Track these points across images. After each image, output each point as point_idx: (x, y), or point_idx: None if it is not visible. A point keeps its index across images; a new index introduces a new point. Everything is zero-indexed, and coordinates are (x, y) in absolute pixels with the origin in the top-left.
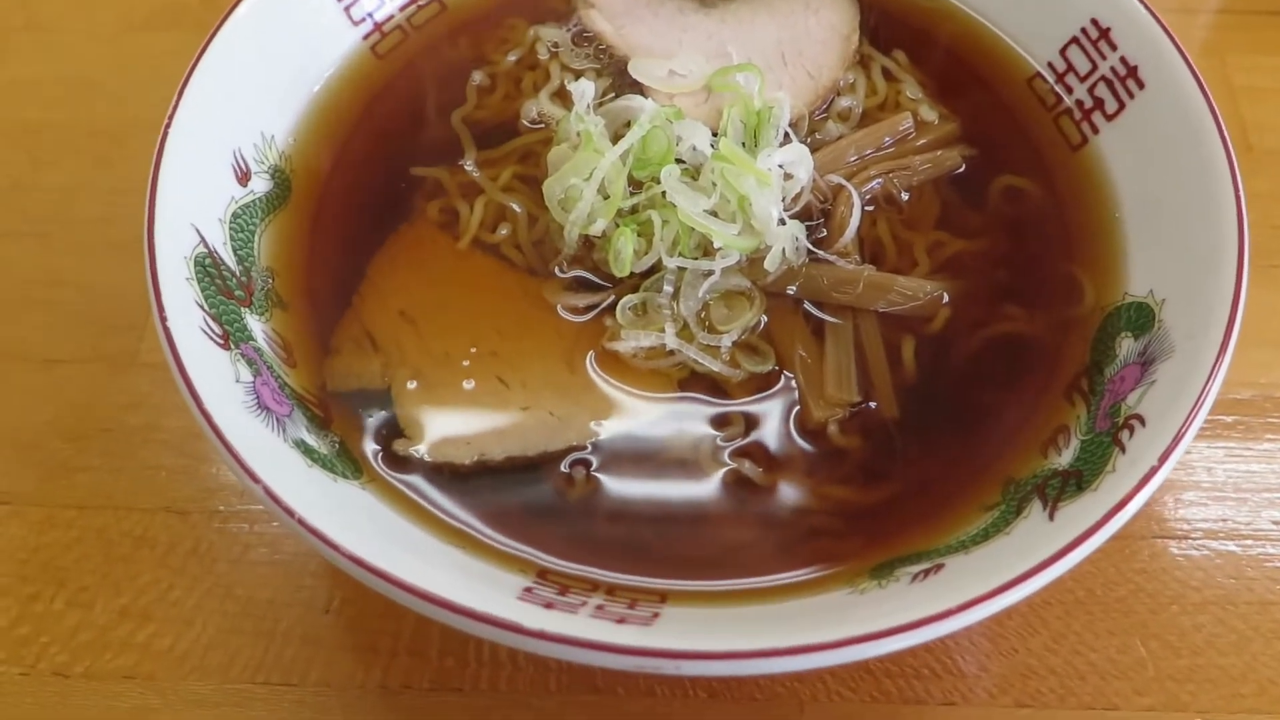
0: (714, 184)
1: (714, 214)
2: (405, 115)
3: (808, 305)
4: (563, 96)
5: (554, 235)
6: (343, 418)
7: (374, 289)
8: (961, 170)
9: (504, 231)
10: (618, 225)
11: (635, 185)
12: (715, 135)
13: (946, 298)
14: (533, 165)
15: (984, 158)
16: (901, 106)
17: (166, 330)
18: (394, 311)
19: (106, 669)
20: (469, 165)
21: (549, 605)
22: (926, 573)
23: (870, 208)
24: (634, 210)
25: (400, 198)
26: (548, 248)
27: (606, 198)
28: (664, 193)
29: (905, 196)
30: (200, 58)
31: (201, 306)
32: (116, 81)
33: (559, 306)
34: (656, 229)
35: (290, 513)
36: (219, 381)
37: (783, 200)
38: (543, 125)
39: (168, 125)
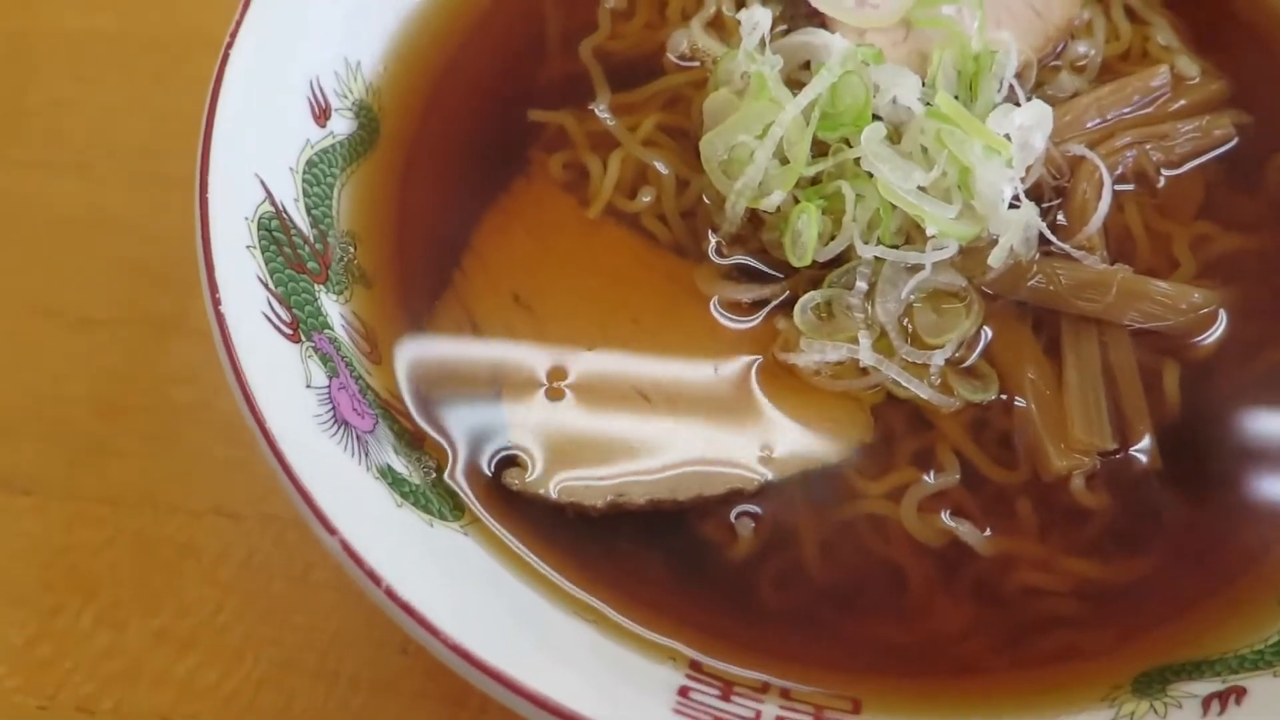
0: (924, 149)
1: (923, 190)
2: (521, 42)
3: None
4: (719, 26)
5: (710, 206)
6: (439, 434)
7: (480, 264)
8: (1233, 144)
9: (646, 198)
10: (797, 199)
11: (819, 147)
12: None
13: (1221, 311)
14: (681, 113)
15: (1261, 127)
16: (1151, 57)
17: (220, 317)
18: (505, 294)
19: (140, 707)
20: (601, 110)
21: None
22: (1221, 698)
23: (1117, 187)
24: (818, 180)
25: (514, 148)
26: (701, 221)
27: (784, 162)
28: (858, 159)
29: (1162, 176)
30: None
31: (265, 284)
32: None
33: (715, 300)
34: (849, 206)
35: (376, 579)
36: (286, 388)
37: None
38: (695, 63)
39: (228, 46)
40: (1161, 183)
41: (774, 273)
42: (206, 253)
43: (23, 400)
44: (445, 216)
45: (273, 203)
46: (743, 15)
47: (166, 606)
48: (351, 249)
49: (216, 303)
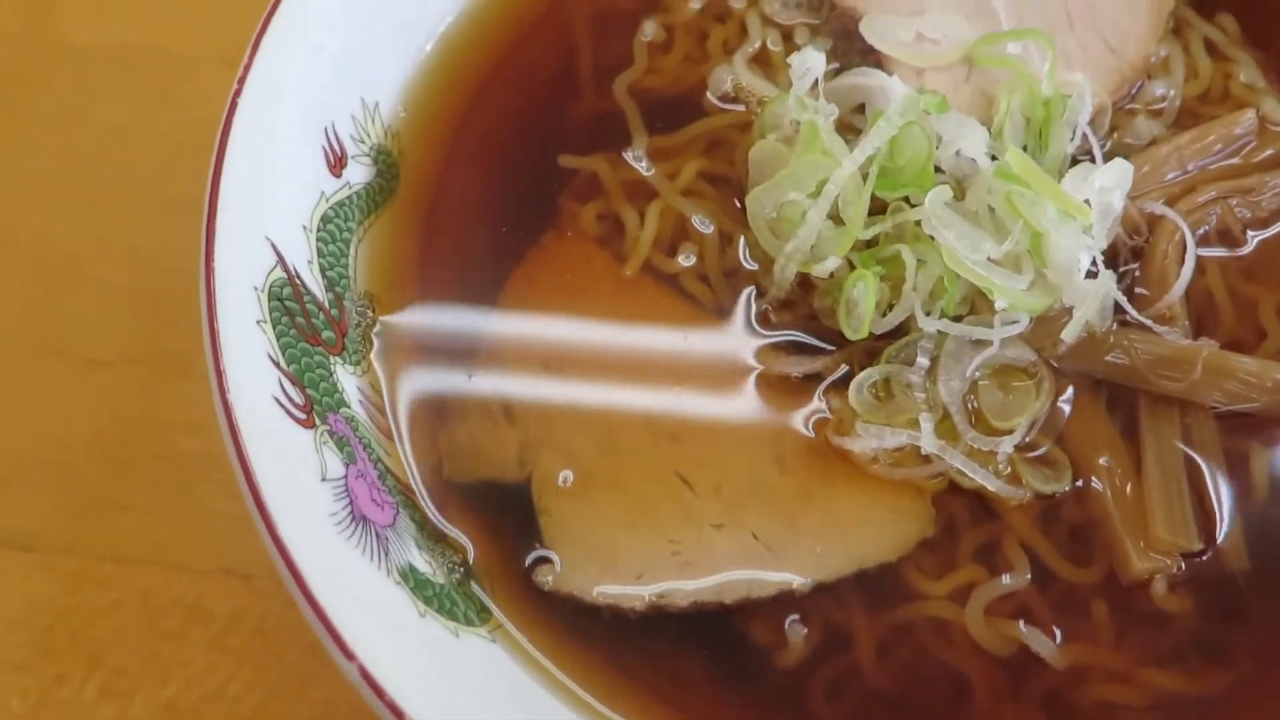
0: (991, 210)
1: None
2: (551, 78)
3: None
4: (765, 62)
5: (757, 267)
6: (465, 524)
7: (508, 329)
8: None
9: (687, 260)
10: (852, 264)
11: (876, 204)
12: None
13: None
14: (724, 159)
15: None
16: (1234, 98)
17: (227, 407)
18: (535, 364)
19: None
20: (637, 155)
21: None
22: None
23: (1199, 250)
24: (875, 242)
25: (544, 196)
26: (745, 281)
27: (838, 222)
28: (919, 220)
29: (1247, 234)
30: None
31: (277, 363)
32: None
33: (762, 371)
34: (909, 273)
35: (399, 713)
36: (299, 484)
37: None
38: (740, 106)
39: (236, 94)
40: (1247, 242)
41: (825, 345)
42: (213, 334)
43: (26, 447)
44: (470, 273)
45: (285, 268)
46: (794, 59)
47: (174, 677)
48: (370, 312)
49: (224, 390)
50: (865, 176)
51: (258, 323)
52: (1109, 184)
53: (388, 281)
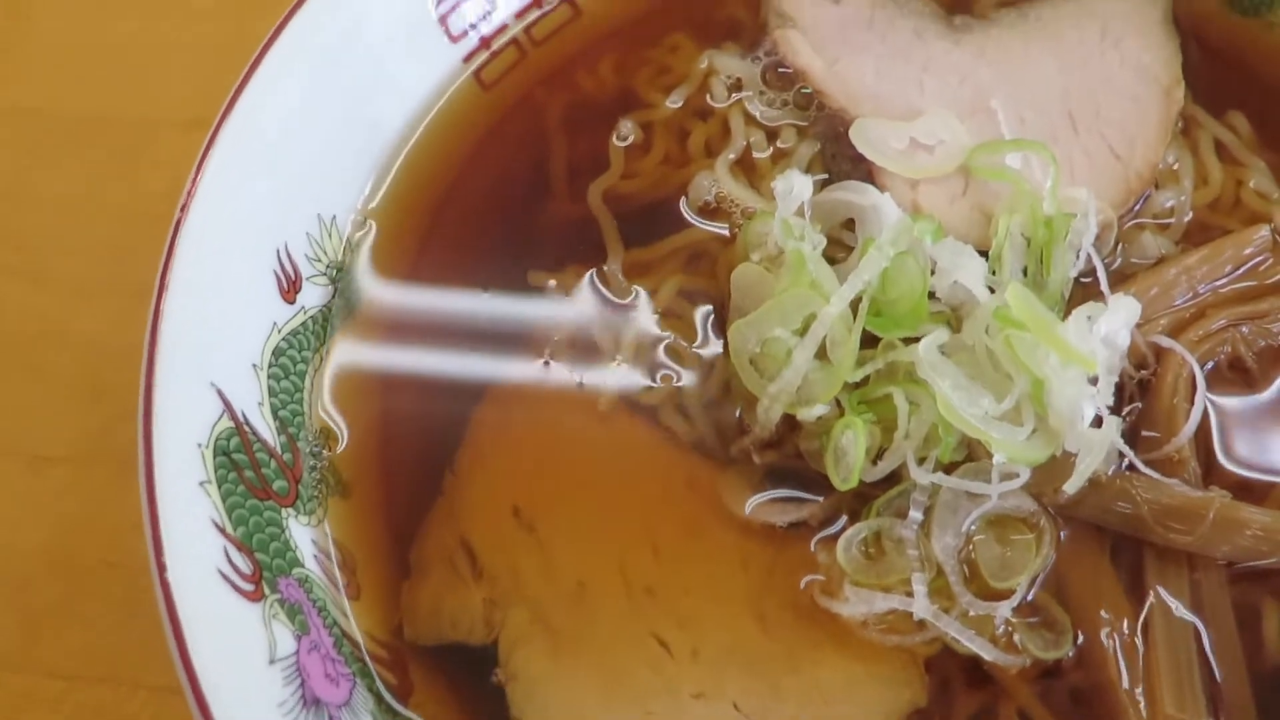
0: (988, 350)
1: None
2: (520, 183)
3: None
4: (749, 166)
5: (739, 399)
6: (427, 693)
7: (477, 465)
8: None
9: (665, 383)
10: (841, 405)
11: (867, 337)
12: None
13: None
14: (706, 273)
15: None
16: (1245, 206)
17: (166, 588)
18: (504, 508)
19: None
20: (613, 270)
21: None
22: None
23: (1206, 367)
24: (865, 382)
25: (513, 318)
26: (728, 415)
27: (826, 361)
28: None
29: (1253, 359)
30: (232, 104)
31: (223, 529)
32: (142, 53)
33: (744, 518)
34: (901, 418)
35: None
36: (247, 670)
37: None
38: (723, 227)
39: (178, 222)
40: (1259, 373)
41: (810, 496)
42: (151, 506)
43: None
44: (436, 403)
45: (232, 416)
46: (777, 184)
47: None
48: (325, 451)
49: (162, 569)
50: (855, 311)
51: (201, 484)
52: (1115, 328)
53: (347, 413)
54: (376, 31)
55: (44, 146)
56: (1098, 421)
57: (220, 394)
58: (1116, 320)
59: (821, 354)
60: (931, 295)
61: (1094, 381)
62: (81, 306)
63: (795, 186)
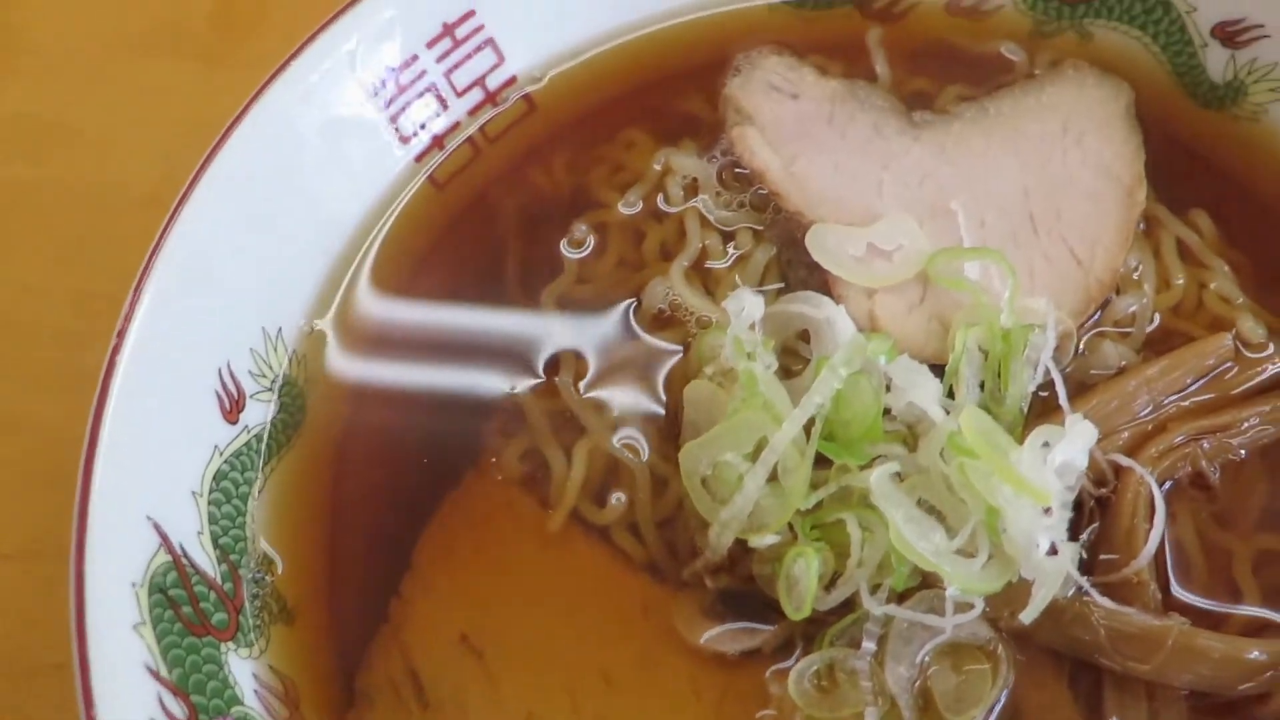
0: (945, 477)
1: (945, 528)
2: (473, 288)
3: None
4: (705, 272)
5: (692, 519)
6: None
7: (423, 589)
8: None
9: (617, 500)
10: (794, 529)
11: (820, 458)
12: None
13: None
14: (660, 386)
15: None
16: (1208, 311)
17: None
18: (451, 634)
19: None
20: (564, 382)
21: None
22: None
23: (1164, 486)
24: (819, 505)
25: (465, 430)
26: (682, 535)
27: (778, 489)
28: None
29: (1215, 473)
30: (173, 217)
31: (156, 674)
32: (97, 125)
33: (696, 645)
34: (854, 546)
35: None
36: None
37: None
38: (677, 321)
39: (115, 349)
40: (1220, 487)
41: (762, 626)
42: (82, 653)
43: None
44: (383, 523)
45: (169, 549)
46: (728, 302)
47: None
48: (268, 577)
49: None
50: (809, 433)
51: (135, 627)
52: (1071, 456)
53: (291, 535)
54: (324, 137)
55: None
56: (1054, 550)
57: (157, 527)
58: (1072, 448)
59: (774, 478)
60: (888, 413)
61: (1050, 511)
62: (32, 394)
63: (746, 306)
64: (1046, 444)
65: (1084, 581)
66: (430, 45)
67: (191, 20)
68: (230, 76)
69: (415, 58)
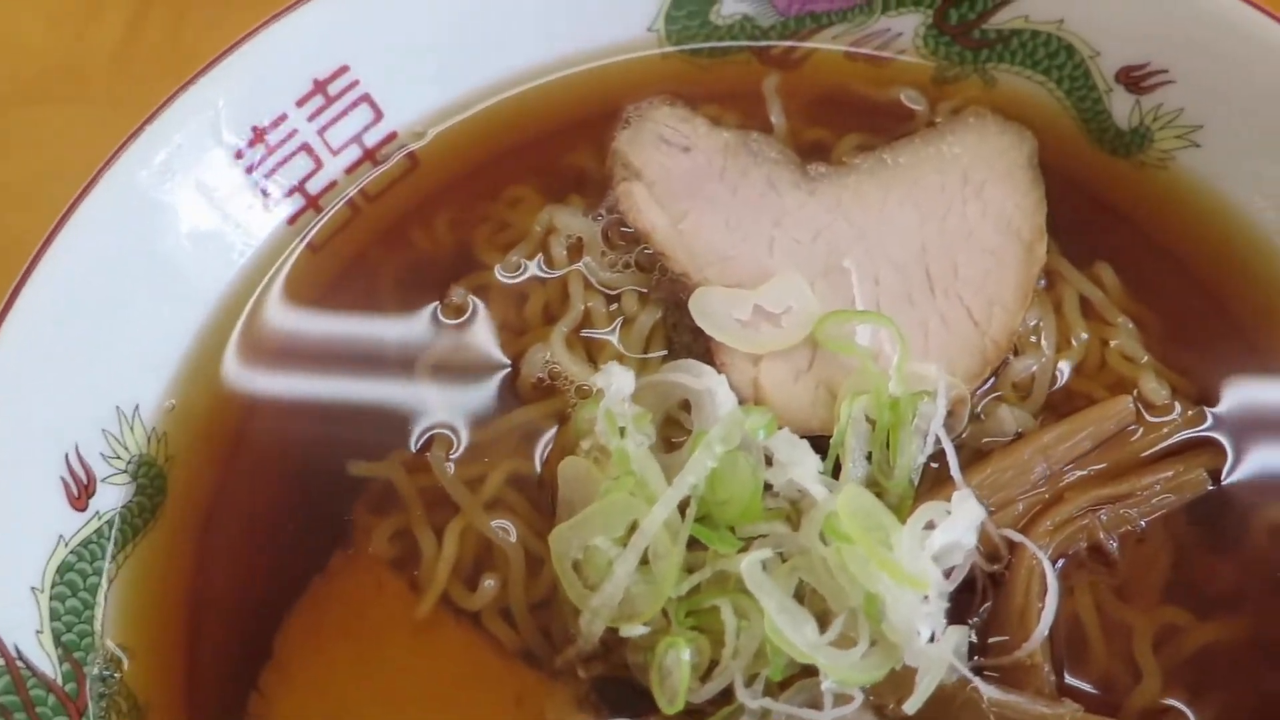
0: (825, 560)
1: (827, 611)
2: (347, 358)
3: None
4: (588, 339)
5: (565, 606)
6: None
7: (285, 684)
8: (1210, 490)
9: (489, 585)
10: (667, 614)
11: (695, 541)
12: (825, 456)
13: None
14: (541, 458)
15: (1240, 470)
16: (1110, 370)
17: None
18: None
19: None
20: (436, 457)
21: None
22: None
23: (1060, 561)
24: (696, 592)
25: (333, 509)
26: (558, 619)
27: (650, 576)
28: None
29: (1115, 545)
30: (11, 302)
31: None
32: None
33: None
34: (729, 635)
35: None
36: None
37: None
38: (557, 391)
39: None
40: (1119, 559)
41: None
42: None
43: None
44: (245, 610)
45: (3, 652)
46: (597, 378)
47: None
48: (117, 674)
49: None
50: (684, 514)
51: None
52: (953, 537)
53: (144, 626)
54: (185, 203)
55: None
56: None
57: None
58: (955, 530)
59: (646, 570)
60: (770, 489)
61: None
62: None
63: (615, 381)
64: (930, 524)
65: (965, 670)
66: (300, 103)
67: (93, 62)
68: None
69: (284, 116)
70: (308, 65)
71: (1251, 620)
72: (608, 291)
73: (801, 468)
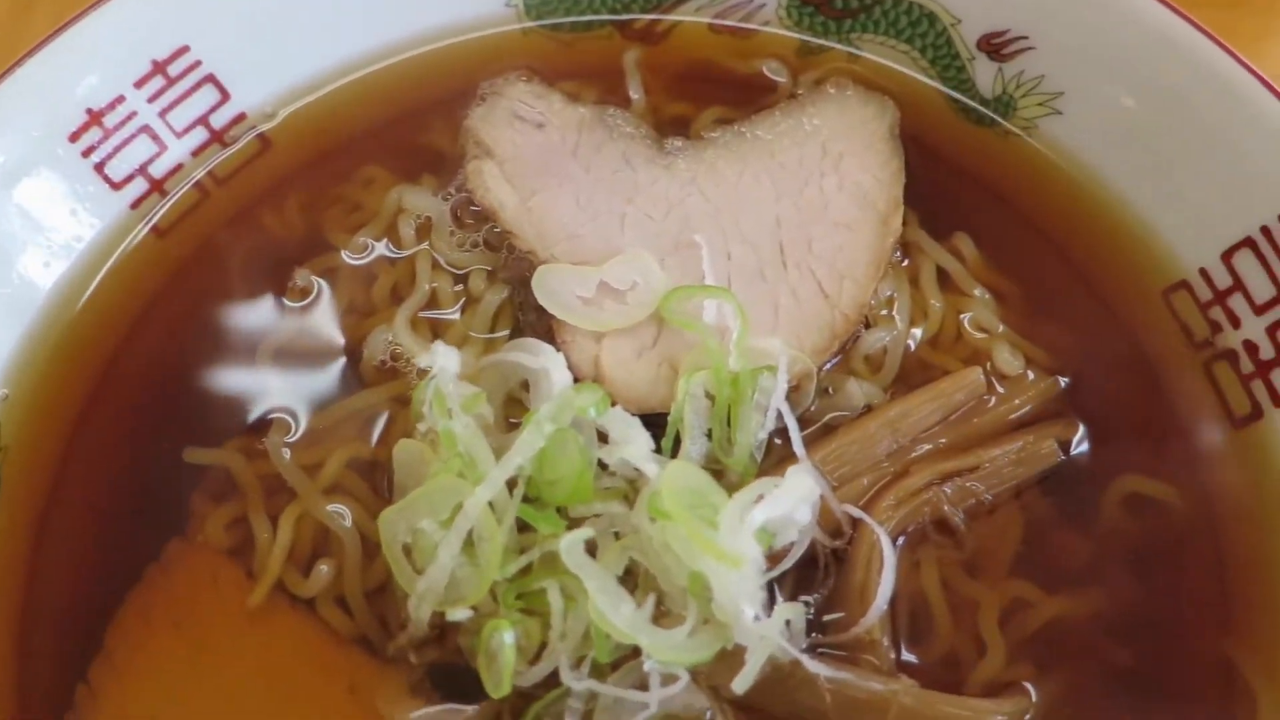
0: (651, 540)
1: (653, 590)
2: (191, 342)
3: None
4: (435, 320)
5: (397, 592)
6: None
7: (113, 675)
8: (1060, 461)
9: (324, 571)
10: (495, 596)
11: (524, 523)
12: (664, 431)
13: None
14: (381, 441)
15: (1095, 441)
16: (966, 342)
17: None
18: None
19: None
20: (274, 443)
21: None
22: None
23: (904, 536)
24: (527, 572)
25: (170, 496)
26: (391, 605)
27: (475, 559)
28: None
29: (962, 519)
30: None
31: None
32: None
33: None
34: (556, 617)
35: None
36: None
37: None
38: (400, 372)
39: None
40: (966, 532)
41: (463, 707)
42: None
43: None
44: (78, 601)
45: None
46: (422, 359)
47: None
48: None
49: None
50: (511, 492)
51: None
52: (783, 511)
53: None
54: (13, 190)
55: None
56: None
57: None
58: (782, 505)
59: (470, 551)
60: (604, 468)
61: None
62: None
63: (440, 360)
64: (761, 497)
65: (792, 649)
66: (139, 85)
67: None
68: None
69: (122, 98)
70: (145, 46)
71: (1101, 593)
72: (456, 271)
73: (634, 446)
